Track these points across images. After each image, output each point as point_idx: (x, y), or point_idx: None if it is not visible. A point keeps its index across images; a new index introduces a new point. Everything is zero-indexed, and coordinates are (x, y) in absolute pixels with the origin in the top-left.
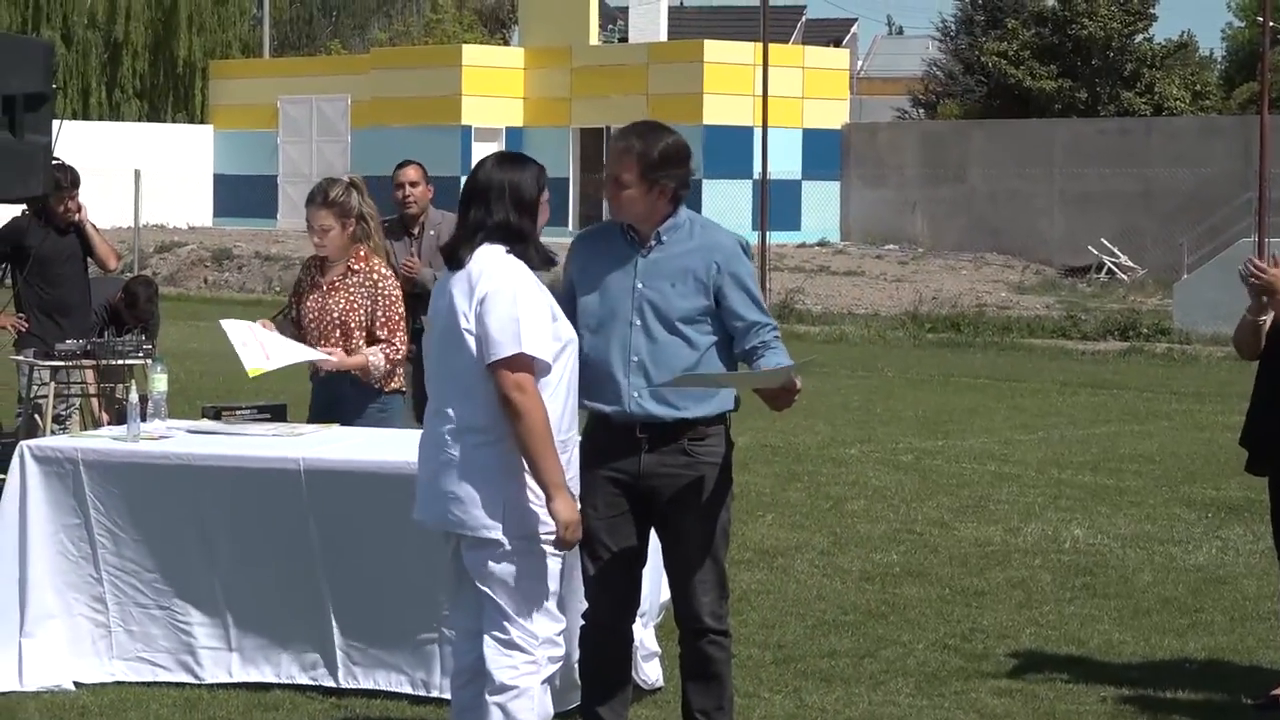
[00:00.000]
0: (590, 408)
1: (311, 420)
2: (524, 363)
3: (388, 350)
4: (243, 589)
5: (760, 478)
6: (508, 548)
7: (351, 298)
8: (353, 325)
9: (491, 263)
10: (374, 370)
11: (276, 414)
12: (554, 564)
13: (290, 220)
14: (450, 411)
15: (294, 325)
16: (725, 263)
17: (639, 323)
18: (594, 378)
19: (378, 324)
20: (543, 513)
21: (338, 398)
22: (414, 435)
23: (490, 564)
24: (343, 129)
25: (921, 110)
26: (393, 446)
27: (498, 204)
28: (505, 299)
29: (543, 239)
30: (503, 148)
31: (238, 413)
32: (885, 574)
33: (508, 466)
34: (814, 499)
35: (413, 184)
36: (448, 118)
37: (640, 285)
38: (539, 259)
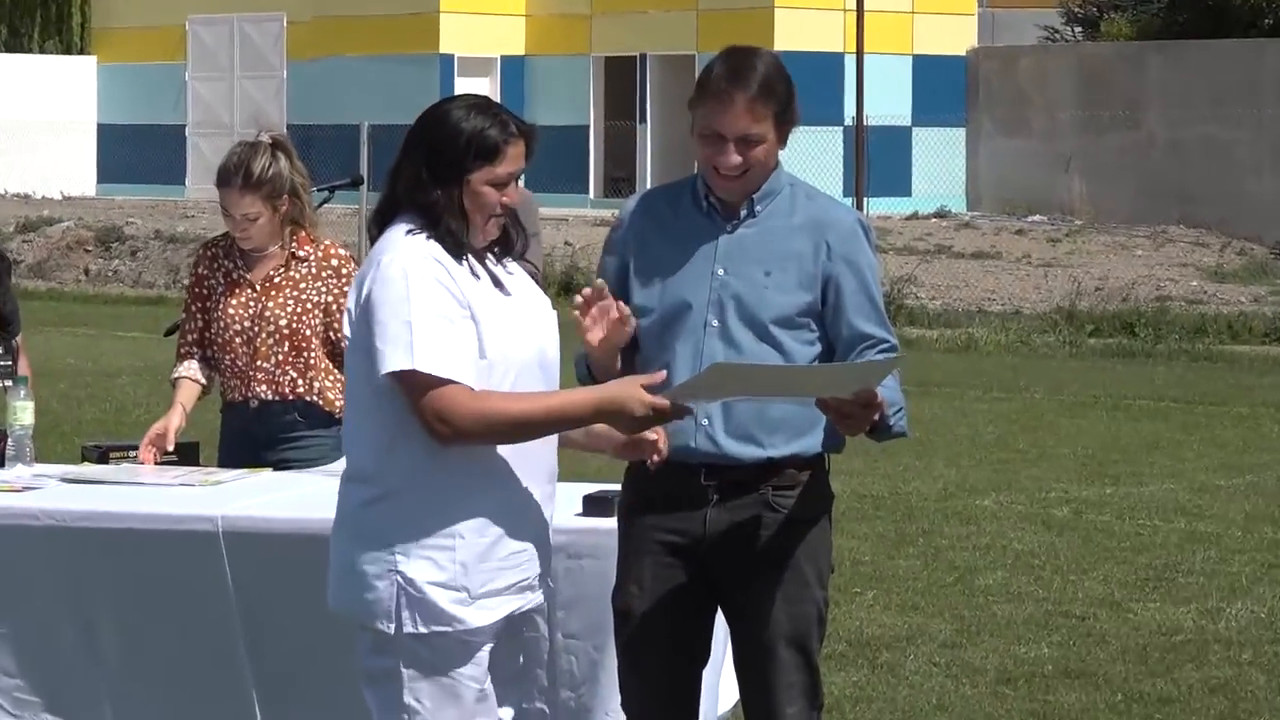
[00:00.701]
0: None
1: (227, 463)
2: (425, 383)
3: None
4: (138, 694)
5: (858, 540)
6: (395, 659)
7: (302, 296)
8: (305, 336)
9: (387, 246)
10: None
11: (185, 455)
12: (471, 699)
13: (203, 186)
14: (350, 451)
15: (199, 348)
16: (840, 246)
17: (716, 323)
18: None
19: (333, 325)
20: (470, 612)
21: (281, 428)
22: None
23: (367, 665)
24: (276, 61)
25: (1078, 29)
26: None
27: (410, 162)
28: (394, 296)
29: (554, 211)
30: (498, 85)
31: (131, 454)
32: (1033, 674)
33: (404, 533)
34: (932, 570)
35: None
36: (421, 44)
37: (721, 271)
38: (455, 246)
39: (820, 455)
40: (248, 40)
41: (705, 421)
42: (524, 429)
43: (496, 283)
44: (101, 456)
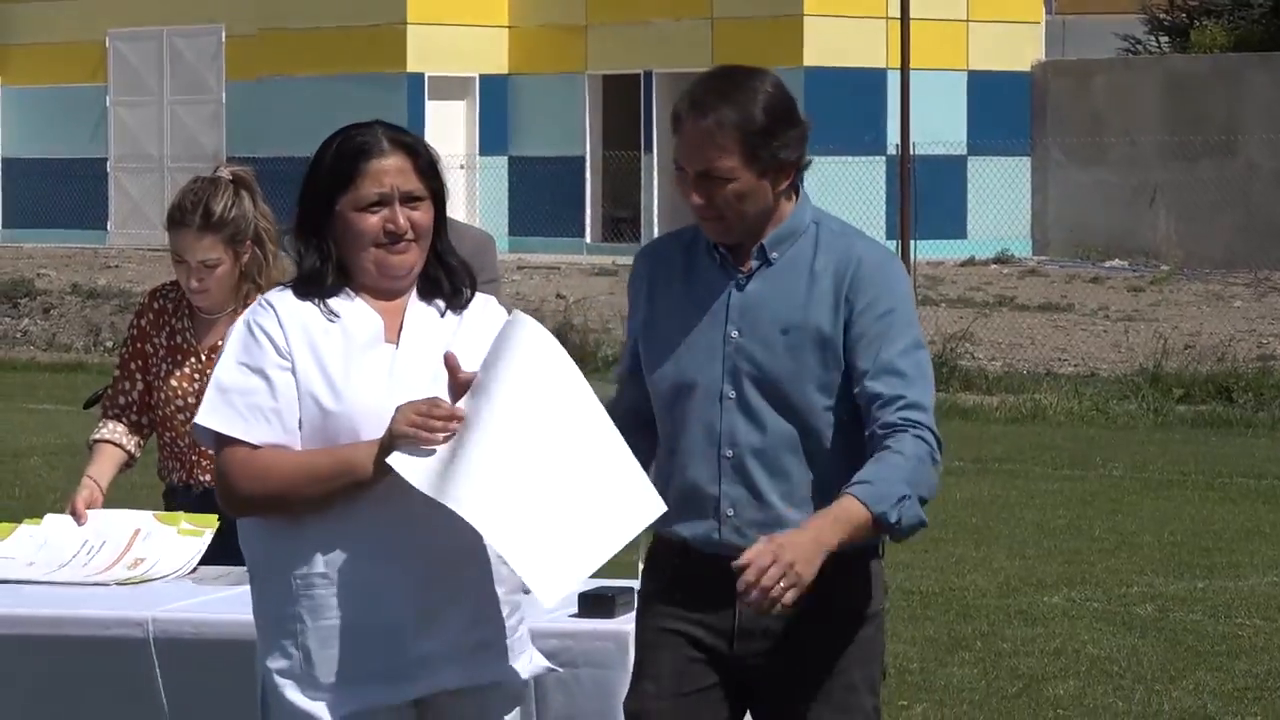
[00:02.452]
0: (660, 531)
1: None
2: (215, 440)
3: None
4: None
5: (904, 644)
6: None
7: None
8: None
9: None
10: None
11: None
12: None
13: (128, 231)
14: None
15: (131, 422)
16: (859, 281)
17: (733, 395)
18: (665, 483)
19: None
20: (319, 707)
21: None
22: None
23: None
24: (213, 81)
25: (1164, 39)
26: None
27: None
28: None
29: (544, 258)
30: (475, 108)
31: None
32: None
33: (260, 619)
34: (992, 679)
35: None
36: (386, 61)
37: (735, 334)
38: (315, 289)
39: (876, 544)
40: (180, 58)
41: (730, 512)
42: (308, 483)
43: (394, 329)
44: None
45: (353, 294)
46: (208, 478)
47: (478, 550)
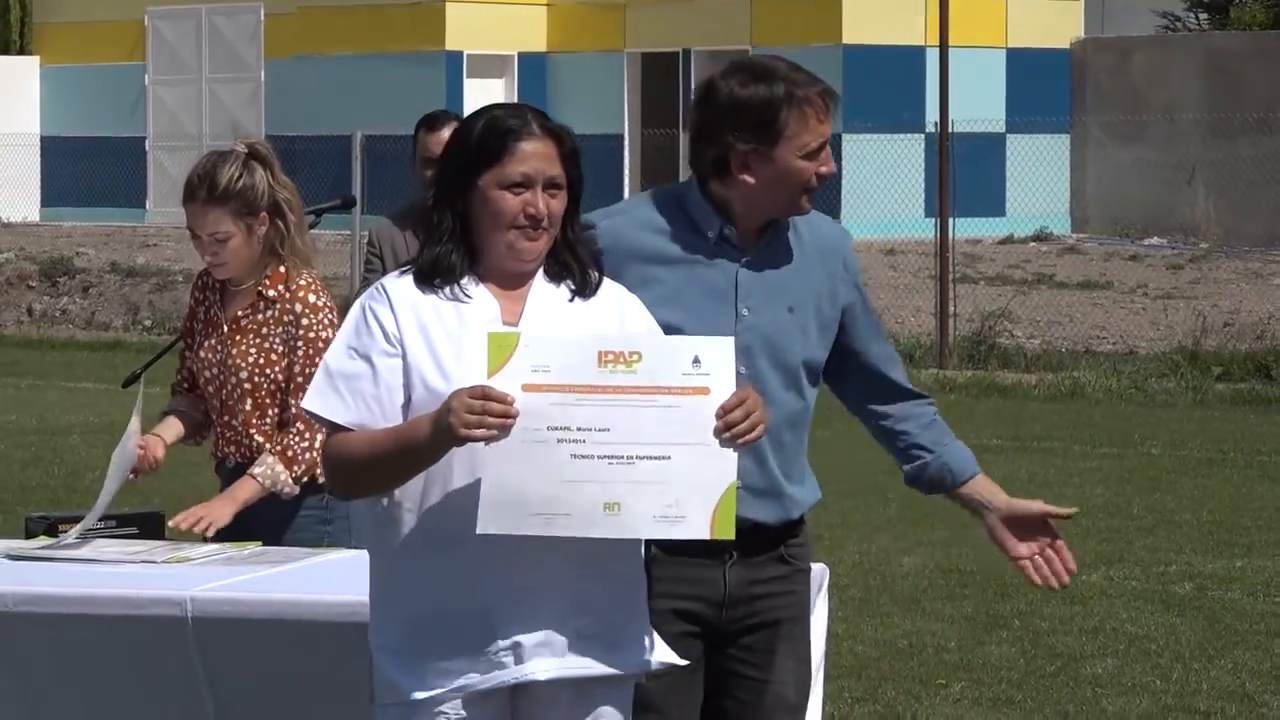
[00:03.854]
0: None
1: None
2: (321, 425)
3: (294, 442)
4: None
5: (943, 623)
6: None
7: (266, 345)
8: (265, 393)
9: None
10: (273, 486)
11: (147, 528)
12: None
13: (167, 209)
14: None
15: (187, 392)
16: (848, 261)
17: (744, 370)
18: None
19: (294, 388)
20: (413, 681)
21: (264, 515)
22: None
23: None
24: (252, 60)
25: (1203, 15)
26: (332, 578)
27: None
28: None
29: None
30: (514, 86)
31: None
32: None
33: (373, 593)
34: (1030, 658)
35: None
36: (424, 40)
37: (746, 311)
38: (442, 272)
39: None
40: (218, 36)
41: (739, 484)
42: (379, 462)
43: (515, 312)
44: (50, 529)
45: (476, 280)
46: (232, 449)
47: (572, 542)
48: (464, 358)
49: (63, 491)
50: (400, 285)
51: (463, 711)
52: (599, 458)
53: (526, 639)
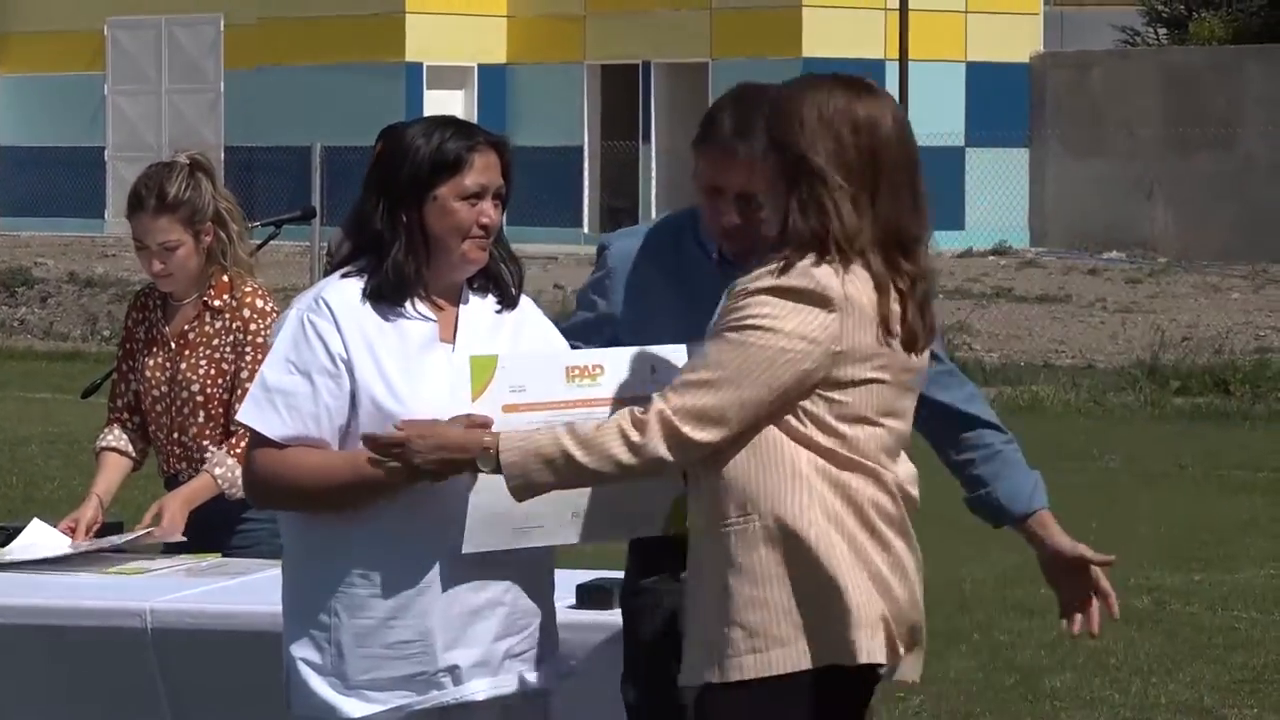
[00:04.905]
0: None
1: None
2: (251, 438)
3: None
4: None
5: None
6: None
7: (216, 356)
8: (217, 404)
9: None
10: (230, 487)
11: (106, 535)
12: None
13: (125, 220)
14: None
15: (132, 425)
16: None
17: None
18: None
19: (241, 393)
20: (346, 701)
21: (210, 512)
22: None
23: None
24: (212, 70)
25: (1162, 30)
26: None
27: (365, 193)
28: (274, 345)
29: (541, 248)
30: (474, 98)
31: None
32: None
33: (292, 608)
34: (990, 671)
35: None
36: (384, 51)
37: None
38: (396, 284)
39: None
40: (178, 47)
41: None
42: (327, 488)
43: (449, 328)
44: (7, 539)
45: (421, 293)
46: (183, 465)
47: (510, 560)
48: (411, 377)
49: (20, 501)
50: (342, 297)
51: None
52: None
53: (464, 659)
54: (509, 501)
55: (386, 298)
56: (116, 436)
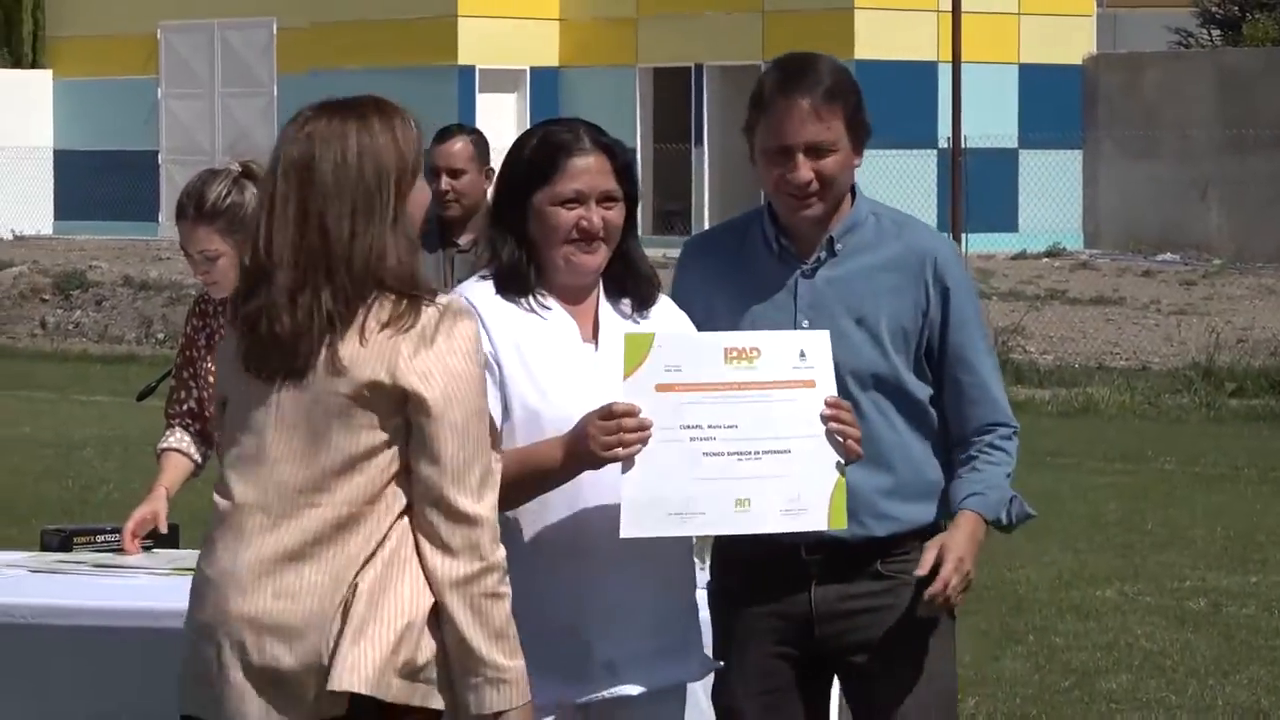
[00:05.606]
0: None
1: None
2: None
3: None
4: None
5: (959, 638)
6: None
7: None
8: None
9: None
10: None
11: (165, 542)
12: None
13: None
14: None
15: (192, 420)
16: (937, 273)
17: None
18: None
19: None
20: None
21: None
22: None
23: None
24: (265, 74)
25: (1216, 32)
26: None
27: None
28: None
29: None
30: (526, 101)
31: (99, 539)
32: None
33: None
34: (1045, 673)
35: (454, 171)
36: (437, 54)
37: (805, 323)
38: (515, 285)
39: (935, 523)
40: (231, 50)
41: None
42: (504, 486)
43: (591, 328)
44: (64, 542)
45: (546, 293)
46: None
47: (659, 555)
48: (558, 377)
49: (76, 504)
50: (485, 298)
51: None
52: (729, 454)
53: (618, 655)
54: (661, 486)
55: (509, 291)
56: (179, 438)
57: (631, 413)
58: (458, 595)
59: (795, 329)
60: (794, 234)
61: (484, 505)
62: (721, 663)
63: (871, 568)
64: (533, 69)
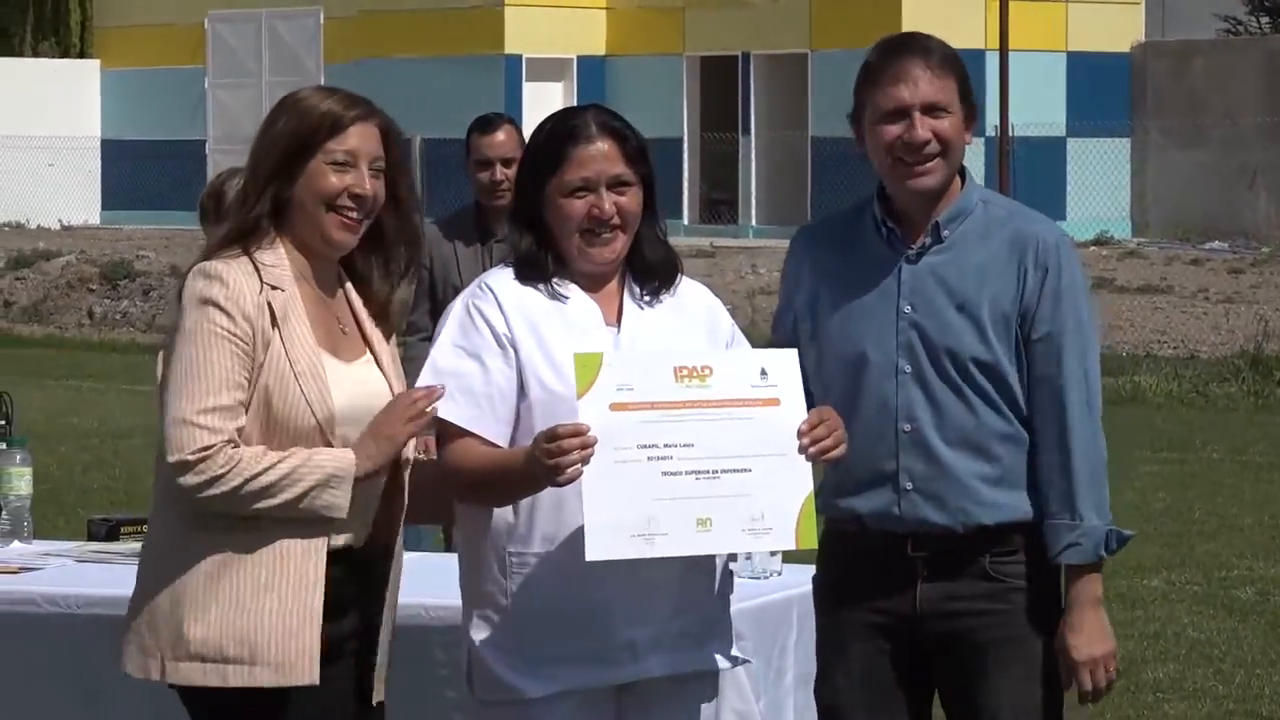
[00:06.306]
0: (831, 514)
1: None
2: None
3: None
4: None
5: None
6: None
7: None
8: None
9: None
10: None
11: None
12: None
13: None
14: None
15: None
16: (1045, 263)
17: (909, 369)
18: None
19: None
20: (527, 681)
21: None
22: (440, 561)
23: None
24: (312, 64)
25: (1264, 19)
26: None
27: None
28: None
29: None
30: (574, 90)
31: (146, 529)
32: None
33: (468, 591)
34: None
35: (508, 160)
36: (483, 43)
37: (909, 309)
38: (532, 270)
39: (1037, 519)
40: (278, 40)
41: (909, 485)
42: (478, 487)
43: (613, 313)
44: (111, 531)
45: (566, 280)
46: None
47: None
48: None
49: (123, 494)
50: (504, 283)
51: (576, 709)
52: (686, 473)
53: (641, 637)
54: (620, 506)
55: (529, 277)
56: None
57: (577, 432)
58: None
59: (897, 316)
60: (902, 218)
61: None
62: (749, 660)
63: (979, 566)
64: (580, 58)
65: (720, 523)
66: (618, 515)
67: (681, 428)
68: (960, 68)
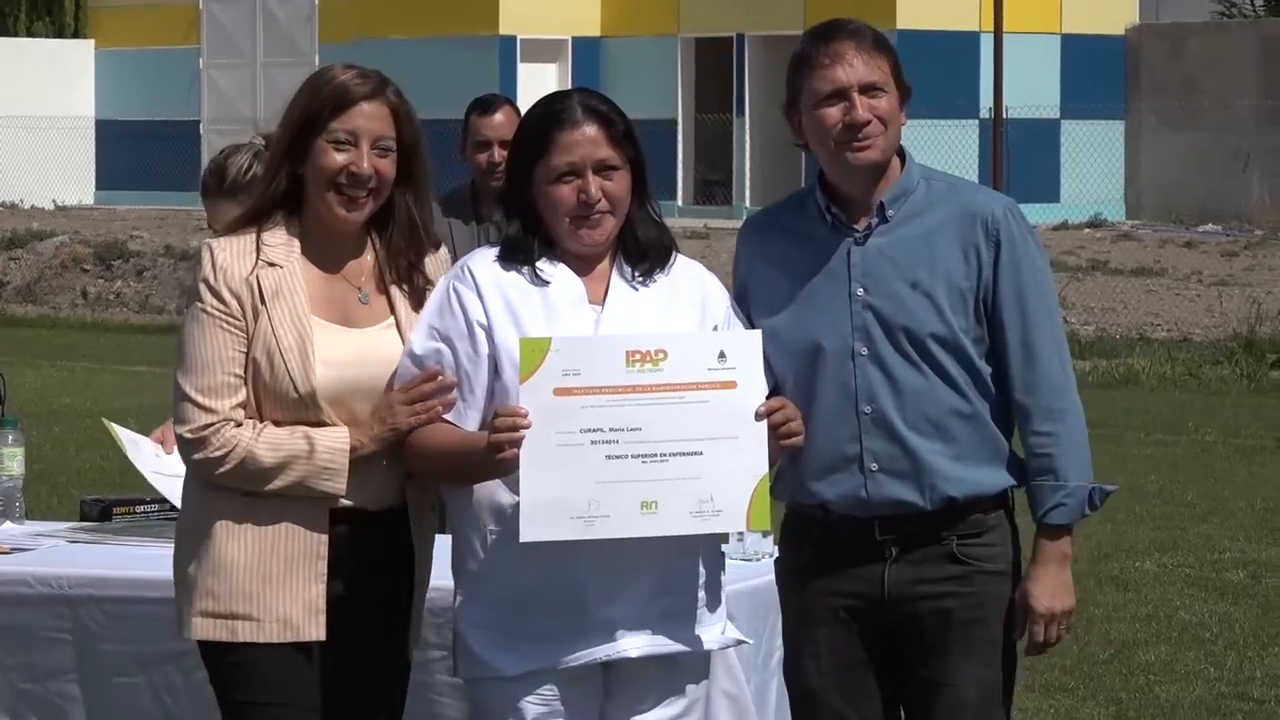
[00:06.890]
0: (795, 500)
1: None
2: None
3: None
4: None
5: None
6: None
7: None
8: None
9: None
10: None
11: None
12: None
13: None
14: None
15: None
16: (996, 235)
17: (865, 351)
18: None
19: None
20: (504, 657)
21: None
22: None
23: None
24: (306, 44)
25: (1259, 2)
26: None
27: None
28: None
29: None
30: (568, 71)
31: (139, 509)
32: None
33: (457, 571)
34: (1084, 644)
35: (505, 141)
36: (478, 24)
37: (861, 291)
38: (516, 254)
39: (1005, 493)
40: (273, 20)
41: (874, 467)
42: (440, 466)
43: (599, 292)
44: (103, 512)
45: (555, 260)
46: None
47: None
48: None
49: (117, 475)
50: (485, 265)
51: (557, 688)
52: (632, 457)
53: (620, 616)
54: (559, 489)
55: (513, 260)
56: None
57: (511, 413)
58: None
59: (850, 299)
60: (846, 202)
61: None
62: (748, 641)
63: (946, 548)
64: (574, 39)
65: (667, 506)
66: (556, 496)
67: (629, 411)
68: (891, 50)
